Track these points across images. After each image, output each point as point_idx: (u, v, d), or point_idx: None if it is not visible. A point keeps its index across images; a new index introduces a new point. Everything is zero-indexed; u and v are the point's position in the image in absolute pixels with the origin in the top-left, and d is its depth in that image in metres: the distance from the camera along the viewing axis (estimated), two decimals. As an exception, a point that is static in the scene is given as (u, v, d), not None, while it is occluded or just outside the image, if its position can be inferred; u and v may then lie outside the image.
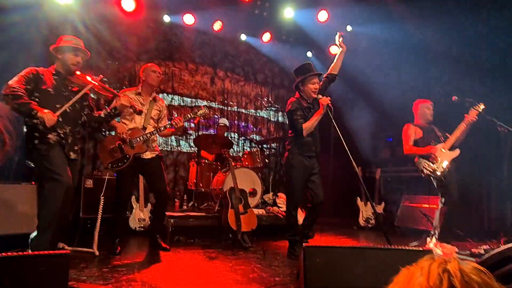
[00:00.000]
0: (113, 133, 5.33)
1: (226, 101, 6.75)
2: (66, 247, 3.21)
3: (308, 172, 3.50)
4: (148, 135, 3.43)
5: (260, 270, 2.90)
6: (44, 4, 4.93)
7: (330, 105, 3.25)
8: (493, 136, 3.91)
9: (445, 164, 3.78)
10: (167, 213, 3.99)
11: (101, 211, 3.36)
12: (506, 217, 4.16)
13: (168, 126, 3.53)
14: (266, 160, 5.67)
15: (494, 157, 4.41)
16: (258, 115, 7.12)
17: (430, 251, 2.02)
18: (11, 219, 3.33)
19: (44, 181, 2.70)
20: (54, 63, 2.98)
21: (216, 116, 6.55)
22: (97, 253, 3.21)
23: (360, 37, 6.13)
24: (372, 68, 5.73)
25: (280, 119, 7.35)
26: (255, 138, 6.89)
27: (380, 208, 5.56)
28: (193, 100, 6.38)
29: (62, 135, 2.82)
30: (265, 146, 6.20)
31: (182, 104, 6.26)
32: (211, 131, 6.38)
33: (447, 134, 4.02)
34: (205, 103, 6.44)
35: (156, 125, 3.62)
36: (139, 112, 3.26)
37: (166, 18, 5.92)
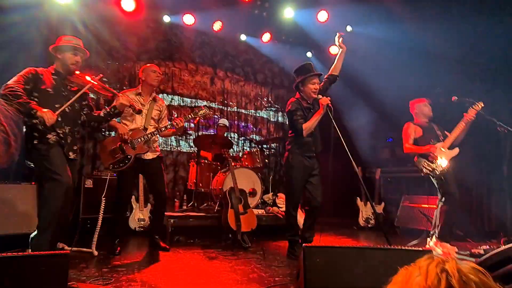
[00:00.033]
0: (113, 133, 5.37)
1: (226, 101, 6.75)
2: (66, 247, 3.21)
3: (308, 173, 3.50)
4: (149, 135, 3.43)
5: (260, 270, 2.90)
6: (44, 4, 4.93)
7: (330, 105, 3.25)
8: (493, 136, 3.92)
9: (444, 163, 3.78)
10: (167, 213, 3.99)
11: (102, 212, 3.36)
12: (506, 217, 4.16)
13: (169, 126, 3.53)
14: (266, 160, 5.68)
15: (494, 157, 4.42)
16: (258, 115, 7.13)
17: (429, 251, 2.02)
18: (11, 219, 3.33)
19: (44, 181, 2.70)
20: (54, 63, 2.99)
21: (216, 116, 6.55)
22: (95, 253, 3.21)
23: (360, 38, 6.13)
24: (372, 68, 5.73)
25: (280, 119, 7.35)
26: (255, 138, 6.89)
27: (380, 208, 5.56)
28: (193, 100, 6.38)
29: (62, 135, 2.82)
30: (265, 146, 6.20)
31: (182, 104, 6.26)
32: (211, 131, 6.38)
33: (446, 132, 4.03)
34: (205, 103, 6.45)
35: (157, 126, 3.62)
36: (139, 111, 3.26)
37: (166, 18, 5.92)
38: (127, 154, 3.33)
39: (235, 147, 6.62)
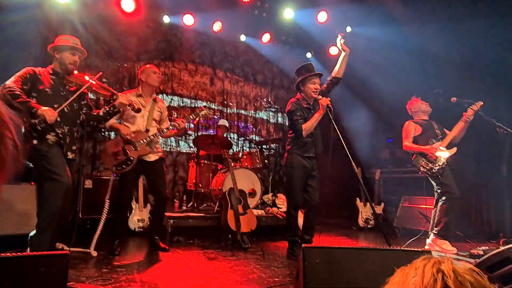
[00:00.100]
0: (112, 134, 5.37)
1: (225, 102, 6.75)
2: (65, 247, 3.21)
3: (307, 173, 3.50)
4: (152, 137, 3.44)
5: (259, 271, 2.90)
6: (43, 3, 4.93)
7: (330, 105, 3.26)
8: (492, 137, 3.92)
9: (442, 162, 3.81)
10: (167, 214, 3.99)
11: (105, 213, 3.36)
12: (505, 218, 4.17)
13: (171, 127, 3.53)
14: (266, 161, 5.67)
15: (493, 158, 4.43)
16: (258, 116, 7.13)
17: (428, 252, 2.02)
18: (11, 219, 3.33)
19: (44, 181, 2.70)
20: (52, 63, 2.99)
21: (215, 117, 6.55)
22: (94, 253, 3.21)
23: (359, 38, 6.14)
24: (371, 69, 5.74)
25: (280, 120, 7.36)
26: (254, 138, 6.89)
27: (379, 209, 5.56)
28: (193, 100, 6.38)
29: (61, 135, 2.82)
30: (264, 146, 6.20)
31: (181, 104, 6.26)
32: (211, 132, 6.38)
33: (445, 130, 4.05)
34: (204, 103, 6.45)
35: (158, 127, 3.62)
36: (138, 110, 3.26)
37: (166, 19, 5.92)
38: (129, 156, 3.33)
39: (234, 147, 6.62)
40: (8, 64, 3.71)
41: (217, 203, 4.63)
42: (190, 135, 6.15)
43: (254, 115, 7.07)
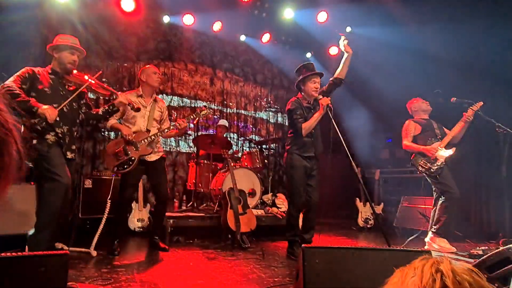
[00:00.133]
0: (112, 134, 5.37)
1: (225, 102, 6.75)
2: (65, 247, 3.21)
3: (308, 173, 3.50)
4: (153, 137, 3.44)
5: (259, 271, 2.90)
6: (43, 3, 4.93)
7: (330, 105, 3.25)
8: (492, 137, 3.93)
9: (440, 162, 3.82)
10: (166, 214, 3.98)
11: (107, 214, 3.36)
12: (505, 218, 4.17)
13: (172, 127, 3.54)
14: (265, 161, 5.68)
15: (493, 158, 4.43)
16: (258, 116, 7.13)
17: (428, 252, 2.02)
18: (10, 219, 3.33)
19: (43, 181, 2.70)
20: (51, 62, 2.99)
21: (215, 117, 6.55)
22: (94, 253, 3.21)
23: (359, 38, 6.14)
24: (371, 69, 5.74)
25: (280, 119, 7.36)
26: (254, 138, 6.89)
27: (379, 209, 5.57)
28: (193, 100, 6.38)
29: (60, 135, 2.82)
30: (264, 146, 6.21)
31: (181, 104, 6.26)
32: (210, 132, 6.38)
33: (445, 129, 4.06)
34: (204, 103, 6.44)
35: (159, 127, 3.62)
36: (137, 109, 3.26)
37: (166, 19, 5.92)
38: (130, 156, 3.33)
39: (234, 147, 6.62)
40: (8, 64, 3.70)
41: (217, 203, 4.63)
42: (190, 135, 6.15)
43: (254, 115, 7.07)
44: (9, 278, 1.46)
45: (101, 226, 3.32)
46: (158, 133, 3.48)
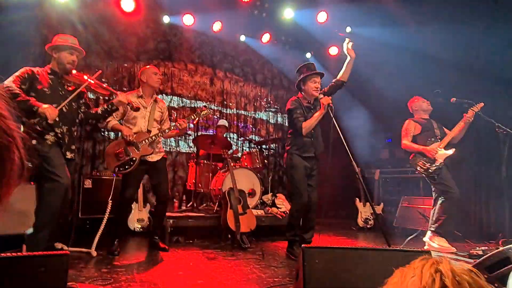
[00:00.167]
0: (112, 134, 5.37)
1: (225, 102, 6.75)
2: (65, 247, 3.21)
3: (308, 173, 3.50)
4: (154, 137, 3.44)
5: (259, 271, 2.90)
6: (43, 3, 4.93)
7: (331, 104, 3.25)
8: (492, 137, 3.94)
9: (439, 162, 3.82)
10: (166, 214, 3.98)
11: (108, 214, 3.36)
12: (505, 218, 4.17)
13: (172, 128, 3.54)
14: (265, 161, 5.68)
15: (492, 158, 4.43)
16: (258, 116, 7.13)
17: (428, 252, 2.02)
18: (10, 219, 3.32)
19: (43, 181, 2.70)
20: (50, 62, 2.99)
21: (215, 117, 6.55)
22: (94, 253, 3.21)
23: (359, 39, 6.13)
24: (371, 69, 5.75)
25: (279, 120, 7.36)
26: (254, 138, 6.89)
27: (378, 209, 5.57)
28: (192, 100, 6.38)
29: (60, 135, 2.82)
30: (264, 146, 6.21)
31: (181, 104, 6.26)
32: (210, 132, 6.38)
33: (445, 129, 4.06)
34: (204, 103, 6.44)
35: (159, 127, 3.62)
36: (137, 109, 3.26)
37: (166, 19, 5.92)
38: (132, 157, 3.33)
39: (234, 147, 6.62)
40: (8, 64, 3.70)
41: (217, 203, 4.63)
42: (189, 135, 6.15)
43: (253, 115, 7.07)
44: (9, 278, 1.46)
45: (102, 227, 3.32)
46: (159, 134, 3.48)
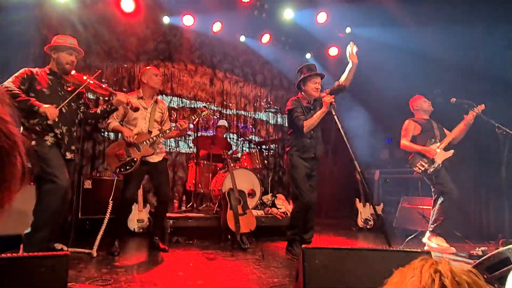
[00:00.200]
0: (112, 134, 5.37)
1: (225, 102, 6.76)
2: (65, 247, 3.21)
3: (307, 174, 3.50)
4: (155, 138, 3.44)
5: (258, 271, 2.90)
6: (43, 3, 4.94)
7: (333, 103, 3.23)
8: (492, 138, 3.94)
9: (436, 164, 3.82)
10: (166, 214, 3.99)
11: (108, 215, 3.36)
12: (504, 218, 4.18)
13: (173, 128, 3.54)
14: (265, 161, 5.68)
15: (492, 159, 4.44)
16: (257, 116, 7.13)
17: (428, 253, 2.03)
18: (10, 219, 3.32)
19: (42, 182, 2.70)
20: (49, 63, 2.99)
21: (215, 117, 6.56)
22: (94, 254, 3.21)
23: (359, 39, 6.14)
24: (371, 70, 5.75)
25: (279, 120, 7.36)
26: (254, 139, 6.89)
27: (378, 209, 5.57)
28: (192, 101, 6.38)
29: (59, 135, 2.82)
30: (264, 147, 6.21)
31: (181, 105, 6.26)
32: (210, 132, 6.38)
33: (445, 130, 4.05)
34: (204, 104, 6.45)
35: (160, 128, 3.62)
36: (136, 109, 3.26)
37: (166, 19, 5.92)
38: (133, 157, 3.33)
39: (234, 148, 6.63)
40: (8, 64, 3.71)
41: (217, 204, 4.63)
42: (189, 135, 6.15)
43: (253, 115, 7.08)
44: (9, 279, 1.46)
45: (103, 227, 3.32)
46: (160, 134, 3.49)
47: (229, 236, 4.00)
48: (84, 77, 3.01)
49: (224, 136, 5.88)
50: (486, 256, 1.62)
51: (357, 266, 1.77)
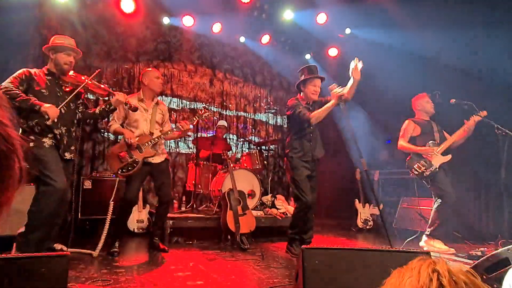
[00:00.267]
0: (111, 135, 5.36)
1: (225, 103, 6.76)
2: (65, 248, 3.21)
3: (308, 174, 3.50)
4: (156, 139, 3.45)
5: (258, 272, 2.90)
6: (43, 4, 4.94)
7: (345, 96, 3.14)
8: (491, 138, 3.94)
9: (434, 167, 3.81)
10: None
11: (110, 215, 3.36)
12: (504, 219, 4.18)
13: (175, 129, 3.55)
14: (265, 162, 5.68)
15: (492, 159, 4.44)
16: (257, 117, 7.14)
17: (427, 253, 2.03)
18: (10, 220, 3.33)
19: (39, 183, 2.70)
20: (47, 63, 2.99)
21: (215, 118, 6.56)
22: (95, 254, 3.21)
23: (358, 40, 6.16)
24: (370, 70, 5.75)
25: (279, 121, 7.37)
26: (253, 139, 6.90)
27: (378, 210, 5.57)
28: (192, 102, 6.38)
29: (58, 136, 2.82)
30: (263, 147, 6.21)
31: (181, 105, 6.27)
32: (210, 133, 6.38)
33: (445, 133, 4.05)
34: (204, 105, 6.44)
35: (161, 129, 3.63)
36: (134, 109, 3.26)
37: (166, 20, 5.93)
38: (135, 159, 3.33)
39: (234, 148, 6.63)
40: (7, 65, 3.71)
41: (216, 204, 4.63)
42: (189, 135, 6.15)
43: (253, 116, 7.08)
44: (10, 279, 1.46)
45: (106, 228, 3.33)
46: (161, 135, 3.49)
47: (229, 237, 4.00)
48: (83, 77, 3.01)
49: (224, 136, 5.88)
50: (485, 256, 1.62)
51: (356, 266, 1.78)
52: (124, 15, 5.43)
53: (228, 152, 4.67)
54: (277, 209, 4.91)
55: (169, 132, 3.53)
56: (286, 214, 4.69)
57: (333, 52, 6.79)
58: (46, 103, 2.70)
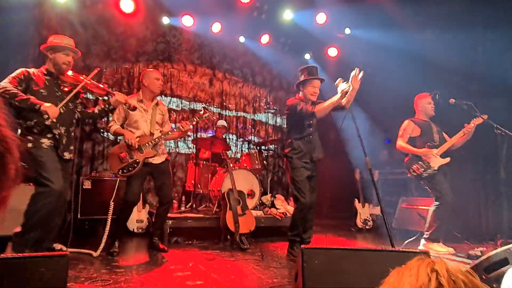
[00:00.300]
0: (110, 135, 5.36)
1: (224, 103, 6.76)
2: (64, 248, 3.21)
3: (308, 175, 3.50)
4: (157, 140, 3.45)
5: (258, 272, 2.90)
6: (43, 4, 4.94)
7: (343, 104, 3.13)
8: (491, 138, 3.95)
9: (432, 168, 3.81)
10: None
11: (110, 216, 3.36)
12: (503, 219, 4.19)
13: (175, 130, 3.54)
14: (265, 162, 5.69)
15: (491, 159, 4.45)
16: (257, 117, 7.14)
17: (427, 253, 2.03)
18: (10, 220, 3.32)
19: (37, 184, 2.69)
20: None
21: (214, 118, 6.55)
22: (95, 254, 3.21)
23: (358, 40, 6.16)
24: (370, 70, 5.76)
25: (279, 121, 7.37)
26: (253, 139, 6.90)
27: (377, 210, 5.58)
28: (192, 102, 6.38)
29: (57, 136, 2.82)
30: (263, 147, 6.21)
31: (180, 106, 6.26)
32: (210, 133, 6.39)
33: (444, 134, 4.05)
34: (203, 105, 6.44)
35: (161, 130, 3.63)
36: (134, 109, 3.27)
37: (165, 20, 5.93)
38: (135, 159, 3.33)
39: (233, 148, 6.63)
40: (7, 65, 3.70)
41: (216, 204, 4.63)
42: (189, 136, 6.15)
43: (253, 116, 7.08)
44: (9, 279, 1.46)
45: (107, 228, 3.33)
46: (162, 136, 3.49)
47: (229, 237, 4.00)
48: (81, 77, 3.01)
49: (224, 136, 5.88)
50: (485, 256, 1.62)
51: (356, 266, 1.78)
52: (124, 15, 5.43)
53: (228, 152, 4.67)
54: (277, 209, 4.91)
55: (169, 133, 3.53)
56: (286, 214, 4.69)
57: (332, 52, 6.79)
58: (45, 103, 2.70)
